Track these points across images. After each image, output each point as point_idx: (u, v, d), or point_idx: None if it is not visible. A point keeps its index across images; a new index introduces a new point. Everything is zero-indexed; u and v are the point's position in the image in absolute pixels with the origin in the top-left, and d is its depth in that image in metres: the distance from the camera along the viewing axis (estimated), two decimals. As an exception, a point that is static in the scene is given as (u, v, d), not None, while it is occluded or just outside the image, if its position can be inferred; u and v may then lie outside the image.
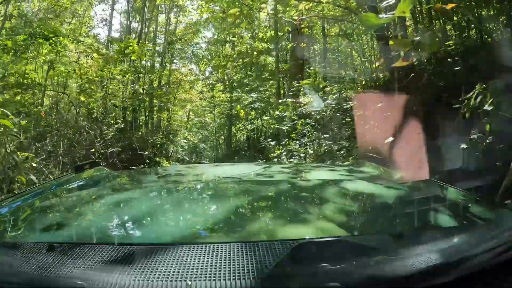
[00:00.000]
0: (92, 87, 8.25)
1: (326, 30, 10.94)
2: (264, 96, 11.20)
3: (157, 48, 13.93)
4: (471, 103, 3.25)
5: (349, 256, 0.72)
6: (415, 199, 1.23)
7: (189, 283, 0.66)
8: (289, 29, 11.24)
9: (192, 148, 25.10)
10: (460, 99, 3.55)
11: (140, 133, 11.75)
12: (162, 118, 15.98)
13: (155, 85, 13.63)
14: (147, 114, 13.15)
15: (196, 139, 25.06)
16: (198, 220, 1.15)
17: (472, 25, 4.96)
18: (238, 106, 12.29)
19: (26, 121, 7.23)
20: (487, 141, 3.15)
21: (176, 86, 18.55)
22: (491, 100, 3.02)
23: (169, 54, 14.54)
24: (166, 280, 0.67)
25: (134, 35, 12.97)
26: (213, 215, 1.20)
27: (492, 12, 4.77)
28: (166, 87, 16.02)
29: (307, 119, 7.21)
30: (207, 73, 20.40)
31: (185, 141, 21.01)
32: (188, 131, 23.43)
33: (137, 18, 13.92)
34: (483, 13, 4.87)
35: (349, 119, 6.10)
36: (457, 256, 0.76)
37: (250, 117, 12.92)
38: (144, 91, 10.86)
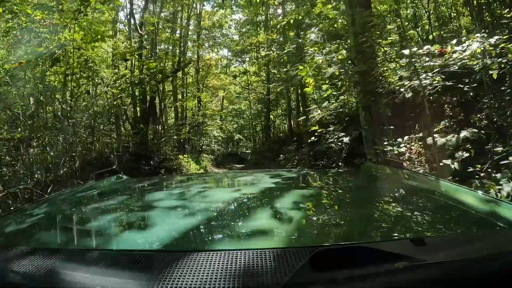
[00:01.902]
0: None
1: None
2: (340, 55, 4.82)
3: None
4: None
5: (369, 263, 0.72)
6: (436, 203, 1.23)
7: None
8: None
9: (227, 139, 23.16)
10: None
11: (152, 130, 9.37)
12: (185, 109, 13.66)
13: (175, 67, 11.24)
14: (161, 103, 10.73)
15: (232, 128, 23.05)
16: (217, 227, 1.15)
17: None
18: (303, 67, 5.26)
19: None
20: None
21: (205, 72, 16.19)
22: None
23: (185, 30, 11.95)
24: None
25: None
26: (232, 222, 1.21)
27: None
28: (189, 68, 13.61)
29: None
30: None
31: (218, 132, 18.95)
32: (222, 121, 21.36)
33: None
34: None
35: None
36: (480, 262, 0.76)
37: (325, 95, 6.45)
38: (148, 75, 8.30)
